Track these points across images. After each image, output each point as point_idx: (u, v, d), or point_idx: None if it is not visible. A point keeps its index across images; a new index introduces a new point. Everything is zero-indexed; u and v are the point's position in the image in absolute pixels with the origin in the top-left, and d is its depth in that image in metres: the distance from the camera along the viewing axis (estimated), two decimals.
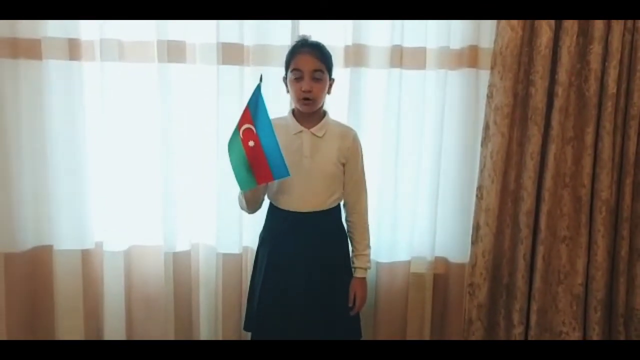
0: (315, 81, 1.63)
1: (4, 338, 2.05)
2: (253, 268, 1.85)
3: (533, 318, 2.08)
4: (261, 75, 1.58)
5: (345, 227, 1.81)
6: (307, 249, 1.71)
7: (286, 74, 1.69)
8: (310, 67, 1.63)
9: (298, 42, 1.69)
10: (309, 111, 1.68)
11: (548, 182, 2.01)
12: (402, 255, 2.14)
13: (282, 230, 1.74)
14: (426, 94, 2.05)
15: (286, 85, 1.71)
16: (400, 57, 2.00)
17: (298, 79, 1.64)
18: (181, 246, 2.09)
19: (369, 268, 1.81)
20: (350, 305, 1.77)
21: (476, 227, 2.07)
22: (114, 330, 2.09)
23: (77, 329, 2.09)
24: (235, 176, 1.61)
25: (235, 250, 2.08)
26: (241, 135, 1.56)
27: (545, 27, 1.94)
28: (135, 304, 2.13)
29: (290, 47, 1.72)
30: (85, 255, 2.08)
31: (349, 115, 2.01)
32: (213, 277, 2.10)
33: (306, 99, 1.64)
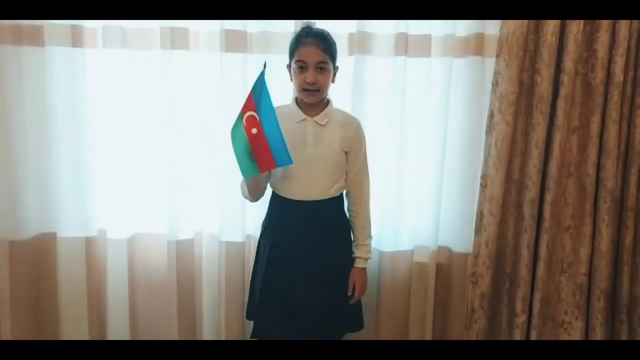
0: (319, 72, 1.63)
1: (8, 324, 2.06)
2: (255, 256, 1.85)
3: (536, 307, 2.08)
4: (265, 63, 1.57)
5: (348, 216, 1.81)
6: (309, 238, 1.70)
7: (290, 62, 1.68)
8: (314, 59, 1.62)
9: (302, 30, 1.67)
10: (313, 102, 1.67)
11: (553, 171, 2.00)
12: (405, 244, 2.14)
13: (284, 218, 1.74)
14: (431, 82, 2.04)
15: (290, 73, 1.70)
16: (405, 45, 1.98)
17: (302, 70, 1.63)
18: (184, 234, 2.09)
19: (370, 258, 1.81)
20: (350, 294, 1.77)
21: (480, 216, 2.07)
22: (117, 317, 2.11)
23: (81, 316, 2.10)
24: (238, 164, 1.60)
25: (238, 238, 2.09)
26: (244, 123, 1.56)
27: None
28: (139, 291, 2.13)
29: (294, 35, 1.70)
30: (89, 243, 2.08)
31: (353, 104, 2.00)
32: (216, 265, 2.11)
33: (311, 89, 1.63)
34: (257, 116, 1.55)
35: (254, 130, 1.55)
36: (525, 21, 1.94)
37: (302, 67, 1.63)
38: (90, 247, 2.08)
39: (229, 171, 1.95)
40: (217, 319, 2.14)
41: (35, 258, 2.08)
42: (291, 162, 1.56)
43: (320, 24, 1.75)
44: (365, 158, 1.78)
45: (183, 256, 2.10)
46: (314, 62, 1.61)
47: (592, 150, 2.01)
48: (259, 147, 1.55)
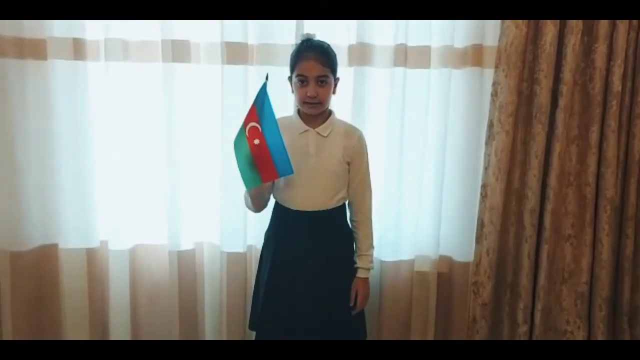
0: (320, 86, 1.64)
1: (10, 335, 2.06)
2: (258, 267, 1.85)
3: (537, 317, 2.08)
4: (267, 74, 1.58)
5: (350, 227, 1.81)
6: (312, 248, 1.71)
7: (291, 75, 1.70)
8: (315, 73, 1.63)
9: (302, 43, 1.68)
10: (314, 113, 1.69)
11: (553, 180, 2.01)
12: (406, 253, 2.14)
13: (287, 229, 1.74)
14: (430, 93, 2.05)
15: (291, 85, 1.71)
16: (404, 56, 2.00)
17: (303, 84, 1.64)
18: (186, 245, 2.09)
19: (372, 268, 1.81)
20: (352, 304, 1.78)
21: (480, 226, 2.07)
22: (119, 328, 2.11)
23: (83, 327, 2.10)
24: (241, 174, 1.61)
25: (240, 249, 2.09)
26: (247, 134, 1.57)
27: (550, 26, 1.93)
28: (140, 302, 2.13)
29: (295, 48, 1.72)
30: (91, 254, 2.08)
31: (353, 115, 2.01)
32: (217, 275, 2.11)
33: (312, 103, 1.64)
34: (259, 127, 1.56)
35: (257, 141, 1.56)
36: (524, 31, 1.95)
37: (302, 81, 1.64)
38: (92, 258, 2.08)
39: (230, 182, 1.96)
40: (219, 329, 2.14)
41: (37, 269, 2.08)
42: (292, 172, 1.57)
43: (319, 28, 1.77)
44: (367, 168, 1.79)
45: (184, 267, 2.10)
46: (314, 76, 1.63)
47: (592, 159, 2.02)
48: (261, 157, 1.56)
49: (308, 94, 1.63)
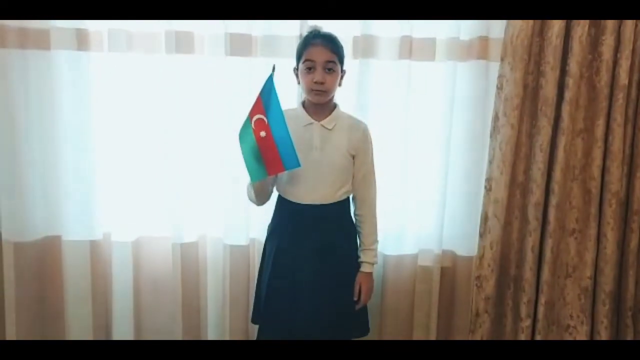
0: (327, 72, 1.63)
1: (13, 325, 2.06)
2: (261, 260, 1.84)
3: (541, 311, 2.07)
4: (274, 66, 1.57)
5: (354, 221, 1.81)
6: (316, 242, 1.70)
7: (297, 65, 1.69)
8: (322, 58, 1.62)
9: (310, 33, 1.69)
10: (320, 102, 1.67)
11: (557, 174, 2.00)
12: (409, 247, 2.13)
13: (290, 222, 1.74)
14: (435, 85, 2.04)
15: (297, 77, 1.71)
16: (409, 48, 1.99)
17: (310, 70, 1.63)
18: (189, 237, 2.09)
19: (376, 263, 1.81)
20: (355, 299, 1.77)
21: (484, 219, 2.07)
22: (122, 320, 2.11)
23: (86, 319, 2.10)
24: (246, 167, 1.61)
25: (242, 242, 2.09)
26: (253, 126, 1.56)
27: None
28: (143, 294, 2.14)
29: (302, 38, 1.71)
30: (94, 246, 2.08)
31: (357, 107, 2.00)
32: (220, 268, 2.11)
33: (318, 89, 1.63)
34: (265, 119, 1.55)
35: (263, 134, 1.55)
36: (530, 24, 1.93)
37: (310, 68, 1.63)
38: (95, 250, 2.09)
39: (233, 174, 1.96)
40: (222, 321, 2.14)
41: (41, 261, 2.08)
42: (299, 165, 1.56)
43: (324, 20, 1.76)
44: (372, 162, 1.78)
45: (187, 259, 2.10)
46: (322, 61, 1.62)
47: (597, 153, 2.00)
48: (267, 150, 1.55)
49: (315, 79, 1.62)
